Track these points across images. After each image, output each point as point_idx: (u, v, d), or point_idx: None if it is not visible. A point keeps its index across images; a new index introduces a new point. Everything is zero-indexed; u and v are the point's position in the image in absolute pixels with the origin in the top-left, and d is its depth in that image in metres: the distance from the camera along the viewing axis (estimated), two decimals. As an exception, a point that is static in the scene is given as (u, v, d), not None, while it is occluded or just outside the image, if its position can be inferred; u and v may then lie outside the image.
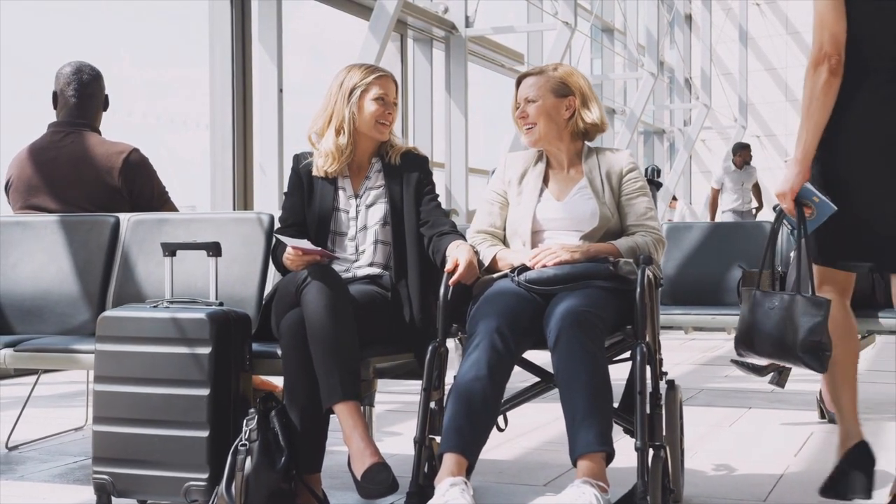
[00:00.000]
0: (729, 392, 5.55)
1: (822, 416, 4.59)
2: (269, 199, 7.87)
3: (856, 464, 2.92)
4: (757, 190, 12.51)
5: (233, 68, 7.85)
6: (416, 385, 5.31)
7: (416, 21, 10.42)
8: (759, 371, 4.49)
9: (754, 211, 12.68)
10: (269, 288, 3.61)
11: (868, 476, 2.89)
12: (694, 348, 8.27)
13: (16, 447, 4.11)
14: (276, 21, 7.86)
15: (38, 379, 4.32)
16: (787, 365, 3.27)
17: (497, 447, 3.89)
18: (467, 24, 11.05)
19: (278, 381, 3.72)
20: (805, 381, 5.31)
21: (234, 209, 7.71)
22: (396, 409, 5.05)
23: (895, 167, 2.83)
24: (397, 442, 4.15)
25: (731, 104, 18.50)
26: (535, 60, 13.07)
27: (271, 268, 3.63)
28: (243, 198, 7.95)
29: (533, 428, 4.34)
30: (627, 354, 3.16)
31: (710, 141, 19.66)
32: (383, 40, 8.26)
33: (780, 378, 4.54)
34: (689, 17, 19.48)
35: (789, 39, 18.61)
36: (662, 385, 3.06)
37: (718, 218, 12.08)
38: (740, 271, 4.96)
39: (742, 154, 12.27)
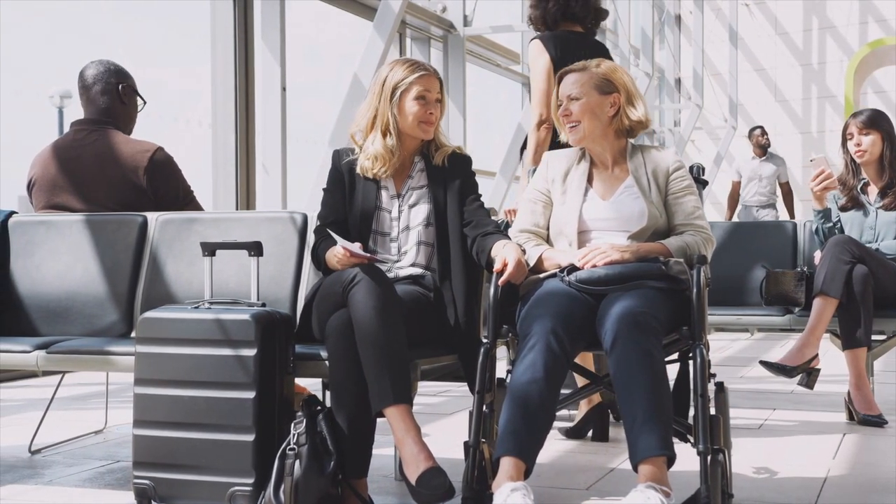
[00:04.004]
0: (749, 393, 5.50)
1: (851, 418, 4.54)
2: (272, 198, 7.76)
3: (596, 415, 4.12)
4: (785, 185, 11.15)
5: (235, 67, 7.76)
6: (435, 386, 5.24)
7: (414, 20, 10.34)
8: (788, 372, 4.46)
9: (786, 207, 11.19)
10: (303, 288, 3.54)
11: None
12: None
13: (38, 451, 4.03)
14: (279, 19, 7.76)
15: (60, 381, 4.23)
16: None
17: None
18: (465, 24, 10.98)
19: (303, 384, 3.66)
20: (829, 382, 5.28)
21: (237, 209, 7.62)
22: (418, 410, 4.97)
23: None
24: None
25: (721, 104, 18.48)
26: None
27: (305, 268, 3.56)
28: (245, 197, 7.86)
29: (565, 430, 4.28)
30: (675, 356, 3.13)
31: (699, 141, 19.64)
32: (388, 40, 8.17)
33: (809, 380, 4.51)
34: (678, 18, 19.48)
35: (778, 40, 18.62)
36: (711, 387, 3.01)
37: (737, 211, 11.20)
38: (763, 271, 4.91)
39: (755, 139, 11.02)
